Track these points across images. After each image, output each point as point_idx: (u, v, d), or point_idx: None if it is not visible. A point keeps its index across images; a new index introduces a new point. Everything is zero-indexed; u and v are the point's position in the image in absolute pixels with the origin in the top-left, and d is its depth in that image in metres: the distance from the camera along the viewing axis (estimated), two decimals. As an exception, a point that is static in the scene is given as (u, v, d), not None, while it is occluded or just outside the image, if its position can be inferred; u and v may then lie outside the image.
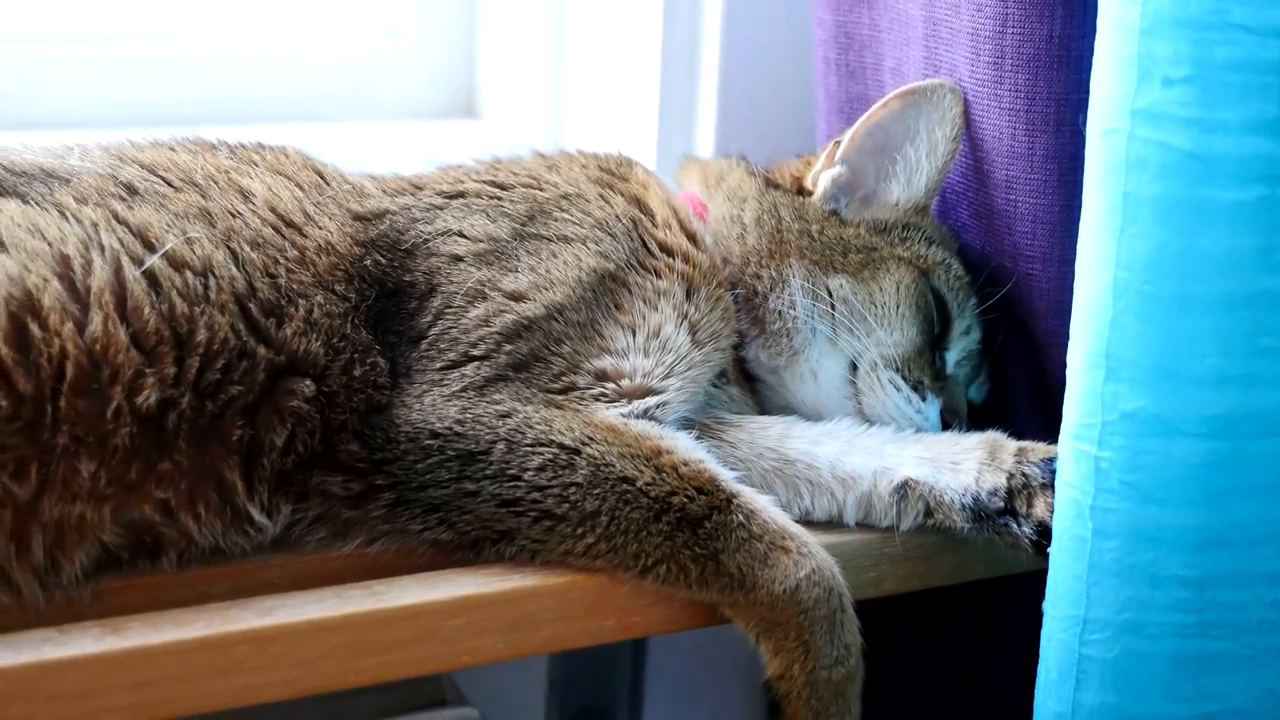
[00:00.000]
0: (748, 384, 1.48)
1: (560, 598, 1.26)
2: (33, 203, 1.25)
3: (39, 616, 1.16)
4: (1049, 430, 1.43)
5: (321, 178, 1.41)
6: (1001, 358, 1.53)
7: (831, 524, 1.37)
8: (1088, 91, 1.35)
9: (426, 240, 1.37)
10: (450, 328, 1.32)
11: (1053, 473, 1.32)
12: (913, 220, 1.49)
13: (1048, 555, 1.30)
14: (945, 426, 1.44)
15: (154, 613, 1.16)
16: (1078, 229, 1.40)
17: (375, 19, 2.04)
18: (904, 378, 1.42)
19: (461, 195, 1.43)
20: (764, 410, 1.47)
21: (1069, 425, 1.21)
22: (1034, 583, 1.42)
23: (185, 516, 1.20)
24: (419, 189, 1.45)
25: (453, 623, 1.22)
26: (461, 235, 1.37)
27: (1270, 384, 1.15)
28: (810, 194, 1.50)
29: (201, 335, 1.21)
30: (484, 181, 1.45)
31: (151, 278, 1.21)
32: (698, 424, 1.38)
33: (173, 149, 1.38)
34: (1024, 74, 1.40)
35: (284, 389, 1.24)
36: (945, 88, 1.45)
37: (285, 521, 1.26)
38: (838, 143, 1.50)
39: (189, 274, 1.23)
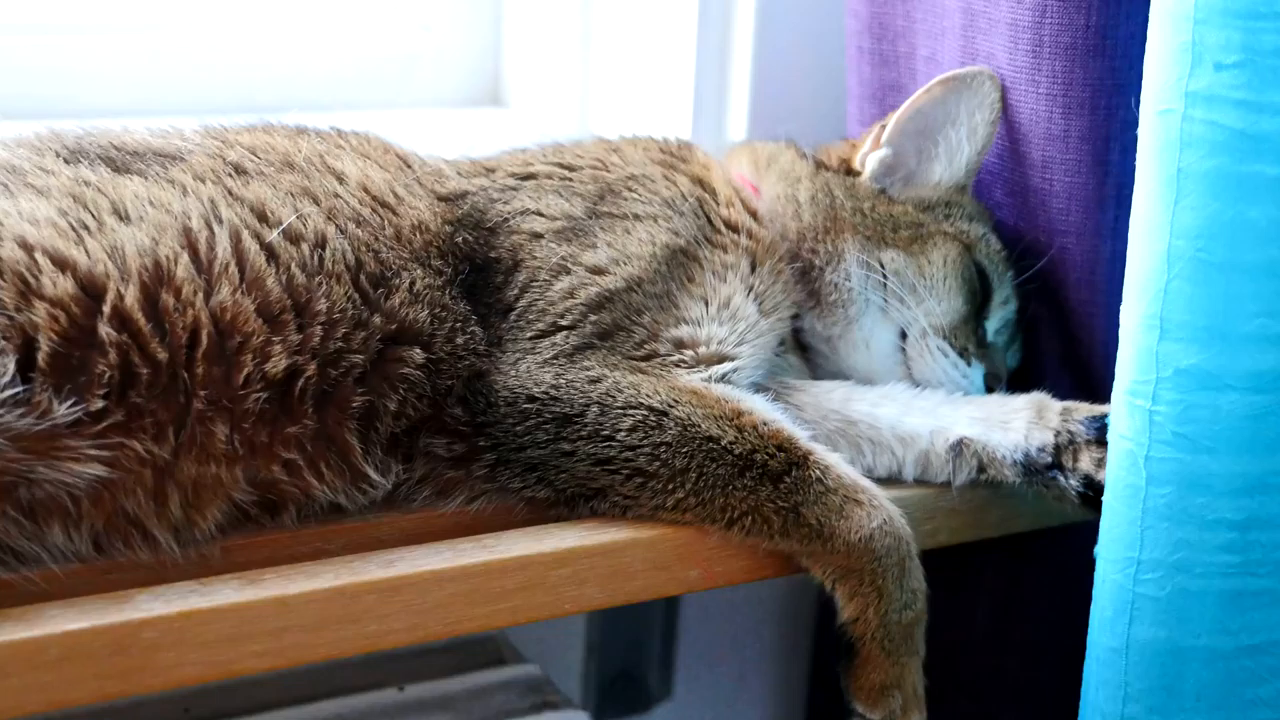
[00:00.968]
0: (801, 352, 1.57)
1: (652, 549, 1.34)
2: (152, 179, 1.32)
3: (177, 570, 1.24)
4: (1078, 392, 1.55)
5: (404, 161, 1.49)
6: (1033, 326, 1.63)
7: (891, 480, 1.46)
8: (1122, 77, 1.47)
9: (507, 219, 1.45)
10: (537, 300, 1.41)
11: (1097, 429, 1.43)
12: (954, 198, 1.59)
13: (1092, 506, 1.41)
14: (988, 390, 1.54)
15: (286, 565, 1.24)
16: (1109, 205, 1.52)
17: (407, 11, 2.11)
18: (951, 345, 1.53)
19: (532, 177, 1.52)
20: (817, 377, 1.56)
21: (1123, 382, 1.31)
22: (1063, 532, 1.54)
23: (308, 475, 1.28)
24: (491, 171, 1.53)
25: (558, 573, 1.30)
26: (539, 214, 1.46)
27: (1310, 342, 1.26)
28: (858, 174, 1.60)
29: (321, 305, 1.28)
30: (551, 164, 1.54)
31: (270, 251, 1.29)
32: (766, 389, 1.47)
33: (267, 133, 1.46)
34: (1061, 61, 1.51)
35: (395, 356, 1.32)
36: (985, 74, 1.56)
37: (395, 480, 1.33)
38: (883, 126, 1.60)
39: (305, 246, 1.30)
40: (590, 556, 1.32)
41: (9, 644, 1.10)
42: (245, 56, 2.03)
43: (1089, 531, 1.57)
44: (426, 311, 1.34)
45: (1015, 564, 1.69)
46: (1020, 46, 1.53)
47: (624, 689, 2.00)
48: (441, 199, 1.46)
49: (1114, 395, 1.33)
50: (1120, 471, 1.33)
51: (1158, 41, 1.26)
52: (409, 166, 1.48)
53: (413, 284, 1.35)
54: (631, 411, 1.34)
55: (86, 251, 1.22)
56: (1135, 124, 1.48)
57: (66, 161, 1.32)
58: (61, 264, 1.21)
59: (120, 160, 1.34)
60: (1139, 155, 1.29)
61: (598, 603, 1.34)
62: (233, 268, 1.26)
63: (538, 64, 2.11)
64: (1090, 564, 1.64)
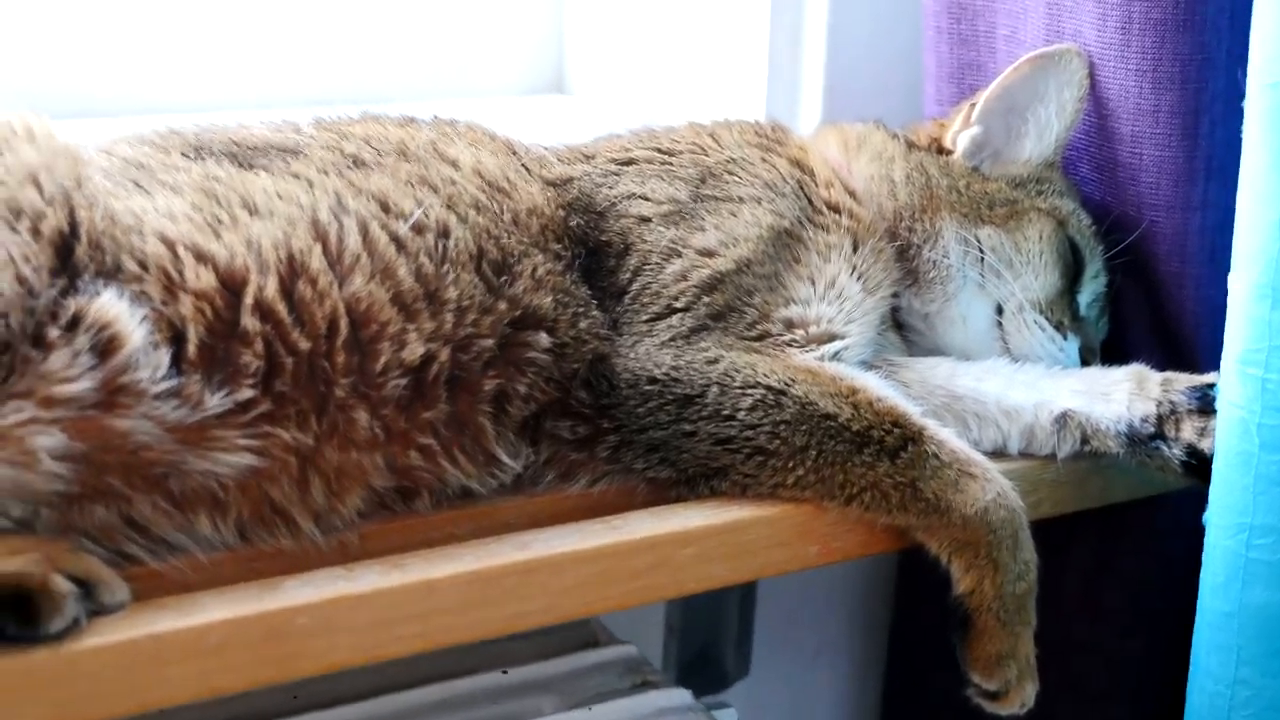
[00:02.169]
0: (898, 330, 1.59)
1: (773, 526, 1.37)
2: (277, 174, 1.33)
3: (319, 557, 1.26)
4: (1167, 363, 1.57)
5: (509, 148, 1.50)
6: (1119, 298, 1.66)
7: (996, 453, 1.48)
8: (1210, 51, 1.50)
9: (614, 203, 1.47)
10: (650, 283, 1.43)
11: (1198, 399, 1.45)
12: (1044, 174, 1.61)
13: (1195, 474, 1.44)
14: (1083, 363, 1.57)
15: (424, 550, 1.26)
16: (1199, 178, 1.55)
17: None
18: (1047, 319, 1.55)
19: (632, 162, 1.53)
20: (912, 354, 1.59)
21: (1234, 351, 1.34)
22: (1150, 502, 1.57)
23: (443, 460, 1.30)
24: (590, 158, 1.55)
25: (684, 552, 1.32)
26: (645, 198, 1.48)
27: None
28: (949, 153, 1.62)
29: (450, 293, 1.30)
30: (649, 149, 1.56)
31: (398, 242, 1.30)
32: (873, 366, 1.49)
33: (378, 123, 1.47)
34: (1150, 37, 1.53)
35: (522, 341, 1.34)
36: (1072, 52, 1.58)
37: (524, 464, 1.36)
38: (973, 105, 1.62)
39: (430, 236, 1.32)
40: (715, 535, 1.34)
41: (171, 633, 1.12)
42: (308, 50, 2.05)
43: (1177, 500, 1.61)
44: (550, 297, 1.36)
45: (1104, 533, 1.71)
46: (1109, 24, 1.55)
47: (703, 668, 2.03)
48: (550, 184, 1.48)
49: (1224, 364, 1.36)
50: (1232, 439, 1.35)
51: (1266, 15, 1.29)
52: (514, 153, 1.50)
53: (534, 270, 1.37)
54: (750, 391, 1.36)
55: (225, 245, 1.24)
56: (1223, 98, 1.52)
57: (191, 159, 1.34)
58: (202, 258, 1.22)
59: (242, 156, 1.36)
60: (1246, 127, 1.32)
61: (721, 580, 1.36)
62: (364, 258, 1.28)
63: (600, 50, 2.12)
64: (1178, 532, 1.67)
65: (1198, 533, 1.67)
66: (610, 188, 1.49)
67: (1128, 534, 1.70)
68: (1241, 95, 1.53)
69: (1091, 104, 1.60)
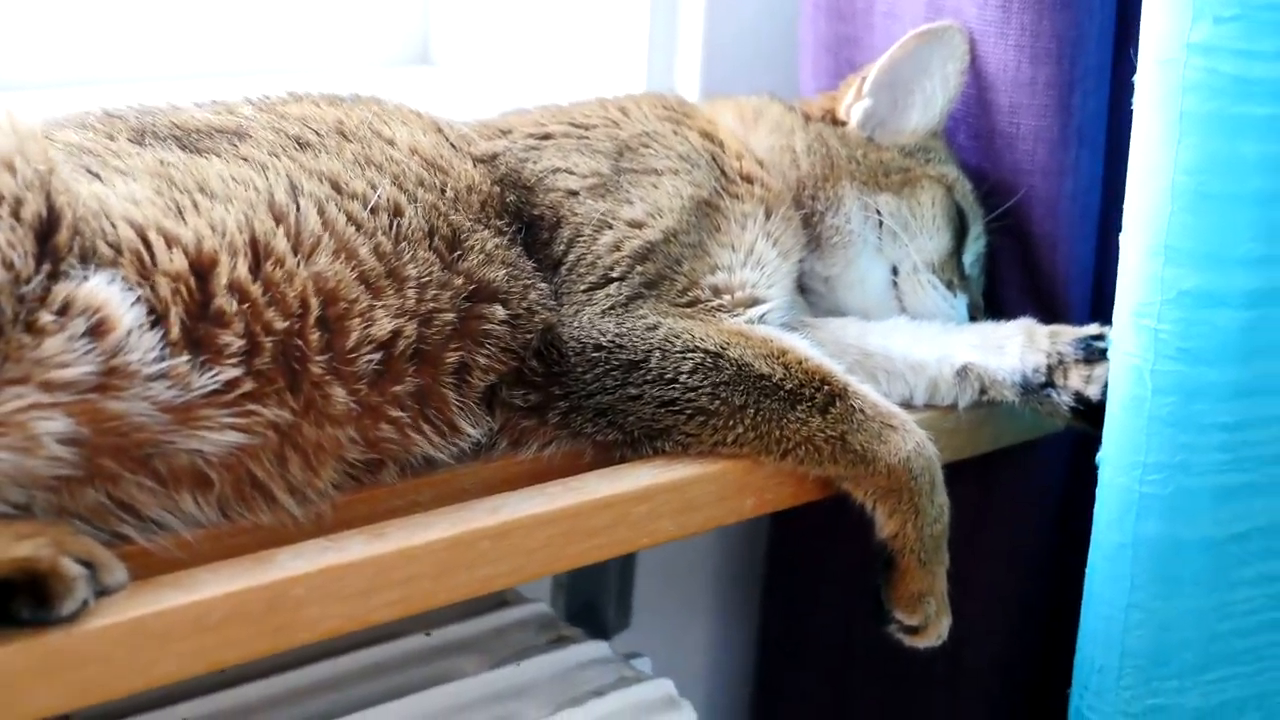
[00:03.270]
0: (799, 293, 1.68)
1: (716, 482, 1.44)
2: (228, 158, 1.35)
3: (294, 530, 1.29)
4: (1038, 316, 1.69)
5: (435, 126, 1.54)
6: (993, 257, 1.78)
7: (903, 405, 1.57)
8: (1084, 28, 1.63)
9: (541, 178, 1.52)
10: (585, 254, 1.48)
11: (1084, 349, 1.58)
12: (930, 144, 1.72)
13: (1081, 418, 1.57)
14: (970, 319, 1.68)
15: (401, 518, 1.30)
16: (1071, 144, 1.68)
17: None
18: (939, 278, 1.66)
19: (549, 136, 1.58)
20: (813, 315, 1.68)
21: (1129, 305, 1.46)
22: (1023, 450, 1.69)
23: (411, 432, 1.34)
24: (506, 133, 1.59)
25: (638, 509, 1.39)
26: (569, 172, 1.53)
27: (1291, 262, 1.43)
28: (843, 124, 1.71)
29: (410, 270, 1.34)
30: (564, 123, 1.61)
31: (354, 221, 1.33)
32: (790, 328, 1.57)
33: (312, 103, 1.49)
34: (1030, 15, 1.65)
35: (479, 314, 1.38)
36: (955, 29, 1.68)
37: (483, 433, 1.40)
38: (863, 78, 1.71)
39: (384, 216, 1.35)
40: (665, 493, 1.41)
41: (175, 609, 1.14)
42: (170, 23, 2.03)
43: (1047, 448, 1.75)
44: (502, 270, 1.41)
45: (983, 478, 1.83)
46: (990, 2, 1.66)
47: (588, 620, 2.09)
48: (478, 161, 1.52)
49: (1117, 316, 1.48)
50: (1126, 385, 1.47)
51: (1160, -1, 1.41)
52: (440, 131, 1.53)
53: (483, 245, 1.41)
54: (690, 355, 1.43)
55: (192, 229, 1.25)
56: (1094, 72, 1.65)
57: (139, 144, 1.34)
58: (171, 242, 1.24)
59: (188, 141, 1.37)
60: (1138, 100, 1.44)
61: (669, 535, 1.43)
62: (325, 238, 1.30)
63: (465, 22, 2.15)
64: (1050, 475, 1.81)
65: (1069, 476, 1.83)
66: (534, 163, 1.54)
67: (1005, 478, 1.83)
68: (1108, 69, 1.67)
69: (971, 77, 1.71)
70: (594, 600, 2.10)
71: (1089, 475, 1.83)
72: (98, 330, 1.16)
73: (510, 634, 1.72)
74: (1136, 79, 1.44)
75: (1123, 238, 1.47)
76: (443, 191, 1.42)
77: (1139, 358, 1.46)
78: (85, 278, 1.17)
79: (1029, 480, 1.81)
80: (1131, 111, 1.70)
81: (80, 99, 1.83)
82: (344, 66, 2.15)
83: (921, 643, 1.52)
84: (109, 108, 1.43)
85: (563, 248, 1.49)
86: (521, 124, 1.62)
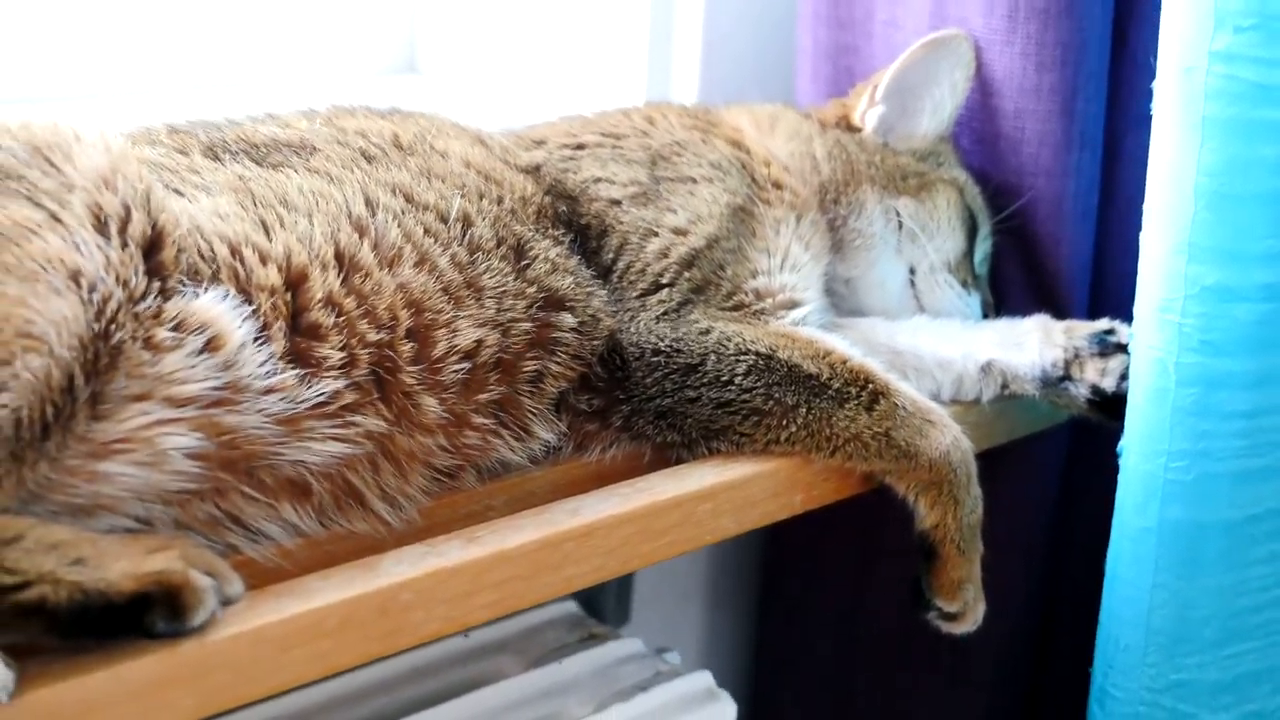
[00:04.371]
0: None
1: (771, 480, 1.49)
2: (302, 172, 1.36)
3: (390, 536, 1.32)
4: (1042, 311, 1.76)
5: (479, 138, 1.57)
6: (997, 255, 1.85)
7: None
8: (1086, 35, 1.70)
9: (584, 188, 1.56)
10: (634, 261, 1.52)
11: (1098, 343, 1.66)
12: (940, 148, 1.78)
13: (1097, 409, 1.65)
14: (983, 316, 1.75)
15: (488, 522, 1.33)
16: (1074, 147, 1.75)
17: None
18: (955, 278, 1.73)
19: (583, 147, 1.62)
20: (836, 316, 1.74)
21: (1153, 301, 1.53)
22: (1024, 445, 1.77)
23: (493, 439, 1.37)
24: (541, 144, 1.63)
25: (703, 507, 1.44)
26: (610, 182, 1.57)
27: (1308, 257, 1.52)
28: (858, 130, 1.77)
29: (486, 280, 1.37)
30: (596, 134, 1.65)
31: (430, 233, 1.36)
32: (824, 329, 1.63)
33: (366, 116, 1.51)
34: (1035, 24, 1.72)
35: (550, 323, 1.42)
36: (962, 37, 1.75)
37: (556, 436, 1.44)
38: (875, 86, 1.77)
39: (457, 226, 1.38)
40: (726, 490, 1.46)
41: (294, 618, 1.16)
42: (161, 36, 2.03)
43: (1044, 445, 1.83)
44: (569, 279, 1.44)
45: (986, 472, 1.90)
46: (996, 12, 1.73)
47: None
48: (523, 171, 1.55)
49: (1140, 312, 1.55)
50: (1150, 377, 1.55)
51: (1179, 8, 1.48)
52: (483, 142, 1.56)
53: (547, 253, 1.45)
54: (744, 358, 1.48)
55: (281, 243, 1.27)
56: (1095, 77, 1.73)
57: (212, 159, 1.36)
58: (264, 257, 1.26)
59: (259, 155, 1.38)
60: (1158, 106, 1.51)
61: (729, 532, 1.48)
62: (407, 250, 1.33)
63: (452, 31, 2.18)
64: (1049, 470, 1.89)
65: (1067, 471, 1.91)
66: (575, 173, 1.58)
67: (1008, 473, 1.89)
68: (1105, 75, 1.75)
69: (976, 83, 1.78)
70: (593, 597, 2.14)
71: (1086, 470, 1.92)
72: (211, 346, 1.18)
73: (543, 633, 1.76)
74: (1156, 85, 1.51)
75: (1143, 237, 1.54)
76: (500, 202, 1.46)
77: (1162, 351, 1.54)
78: (196, 295, 1.19)
79: (1030, 475, 1.89)
80: (1124, 115, 1.80)
81: (77, 113, 1.84)
82: (331, 76, 2.16)
83: (959, 629, 1.58)
84: (169, 122, 1.43)
85: (612, 255, 1.53)
86: (553, 135, 1.65)
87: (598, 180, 1.57)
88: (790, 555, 2.13)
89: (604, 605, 2.14)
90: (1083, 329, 1.68)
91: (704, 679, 1.68)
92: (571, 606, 1.80)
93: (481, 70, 2.18)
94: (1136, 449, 1.58)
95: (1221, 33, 1.46)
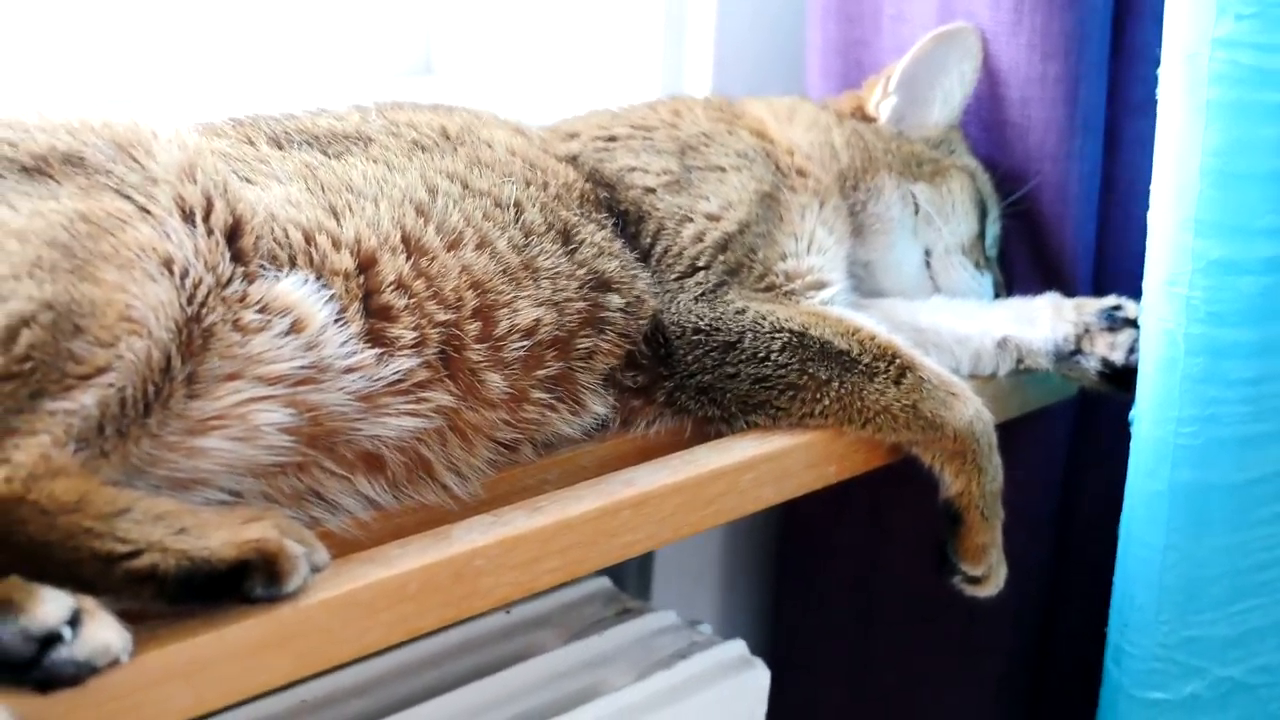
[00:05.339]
0: (844, 277, 1.82)
1: (807, 451, 1.57)
2: (364, 160, 1.43)
3: (458, 508, 1.39)
4: (1049, 288, 1.85)
5: (518, 129, 1.64)
6: (1008, 238, 1.94)
7: (950, 376, 1.73)
8: (1088, 27, 1.79)
9: (620, 176, 1.64)
10: (671, 245, 1.60)
11: (1107, 318, 1.74)
12: (950, 136, 1.87)
13: (1107, 380, 1.73)
14: (995, 295, 1.84)
15: (549, 494, 1.40)
16: (1078, 133, 1.84)
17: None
18: (969, 259, 1.81)
19: (615, 139, 1.70)
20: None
21: (1162, 275, 1.62)
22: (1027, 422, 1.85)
23: (550, 413, 1.45)
24: (574, 136, 1.71)
25: (745, 477, 1.51)
26: (644, 171, 1.65)
27: (1306, 229, 1.61)
28: (873, 120, 1.85)
29: (541, 261, 1.44)
30: (626, 126, 1.73)
31: (487, 217, 1.43)
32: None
33: (412, 109, 1.58)
34: (1040, 15, 1.81)
35: (600, 303, 1.49)
36: (969, 30, 1.84)
37: (608, 410, 1.51)
38: (888, 77, 1.86)
39: (511, 211, 1.46)
40: (766, 462, 1.53)
41: (379, 582, 1.23)
42: (176, 39, 2.08)
43: (1048, 422, 1.91)
44: (614, 261, 1.52)
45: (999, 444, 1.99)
46: (1002, 5, 1.82)
47: (610, 595, 2.21)
48: (562, 160, 1.62)
49: (1149, 286, 1.64)
50: (1160, 348, 1.63)
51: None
52: (523, 133, 1.64)
53: (593, 236, 1.52)
54: (779, 335, 1.55)
55: (351, 228, 1.34)
56: (1097, 66, 1.82)
57: (278, 148, 1.42)
58: (336, 242, 1.32)
59: (321, 145, 1.45)
60: (1164, 90, 1.59)
61: (768, 501, 1.55)
62: (468, 233, 1.40)
63: (466, 34, 2.25)
64: (1053, 447, 1.97)
65: (1073, 444, 1.99)
66: (611, 162, 1.65)
67: (1016, 446, 1.97)
68: (1106, 64, 1.84)
69: (983, 73, 1.87)
70: (615, 576, 2.21)
71: (1091, 446, 2.01)
72: (296, 327, 1.25)
73: (580, 608, 1.83)
74: (1161, 71, 1.59)
75: (1151, 215, 1.63)
76: (546, 188, 1.53)
77: (1172, 322, 1.62)
78: (277, 279, 1.26)
79: (1037, 448, 1.97)
80: (1124, 103, 1.88)
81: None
82: (348, 77, 2.22)
83: (983, 591, 1.66)
84: (232, 116, 1.50)
85: (649, 240, 1.60)
86: (585, 128, 1.73)
87: (632, 169, 1.64)
88: (805, 527, 2.20)
89: (626, 581, 2.22)
90: (1092, 305, 1.76)
91: (738, 647, 1.76)
92: (605, 583, 1.86)
93: (496, 70, 2.25)
94: (1148, 416, 1.66)
95: (1224, 20, 1.54)
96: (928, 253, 1.81)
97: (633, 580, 2.21)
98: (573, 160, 1.64)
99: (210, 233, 1.23)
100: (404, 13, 2.26)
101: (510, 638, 1.76)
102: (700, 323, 1.55)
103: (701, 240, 1.60)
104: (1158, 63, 1.59)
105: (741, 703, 1.73)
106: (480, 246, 1.40)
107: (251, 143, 1.43)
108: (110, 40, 2.03)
